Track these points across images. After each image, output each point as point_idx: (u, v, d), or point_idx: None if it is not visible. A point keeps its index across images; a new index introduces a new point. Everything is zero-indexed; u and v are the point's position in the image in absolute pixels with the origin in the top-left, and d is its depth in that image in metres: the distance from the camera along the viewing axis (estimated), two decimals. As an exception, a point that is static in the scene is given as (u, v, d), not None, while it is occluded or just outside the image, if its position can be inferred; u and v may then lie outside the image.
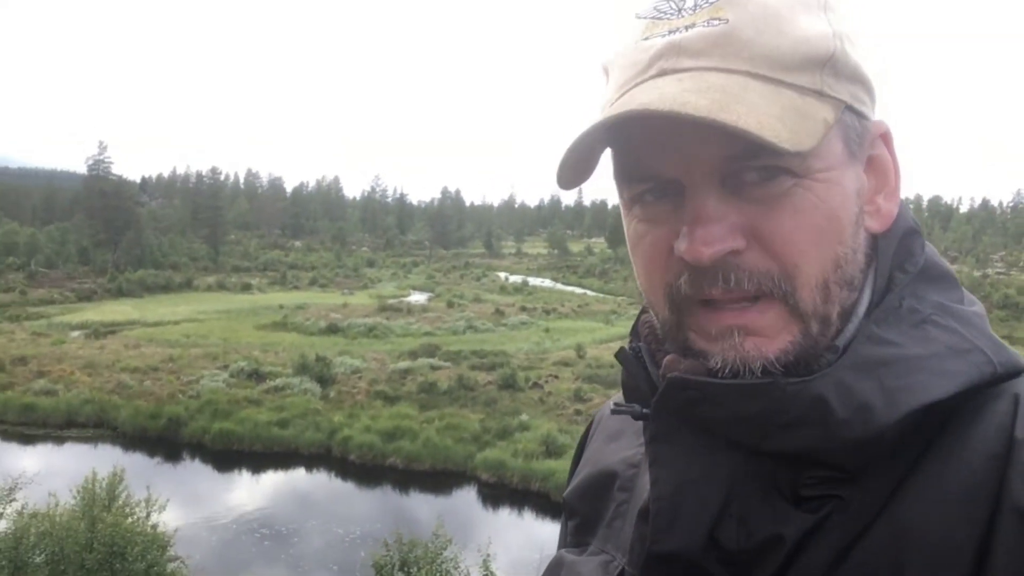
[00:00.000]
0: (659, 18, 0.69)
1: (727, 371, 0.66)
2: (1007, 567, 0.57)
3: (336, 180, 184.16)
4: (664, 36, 0.67)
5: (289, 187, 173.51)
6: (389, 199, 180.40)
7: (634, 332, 0.82)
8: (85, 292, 59.79)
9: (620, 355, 0.80)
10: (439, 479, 21.37)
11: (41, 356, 31.69)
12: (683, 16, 0.67)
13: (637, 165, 0.69)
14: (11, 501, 11.73)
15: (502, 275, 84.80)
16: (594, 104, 0.76)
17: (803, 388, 0.64)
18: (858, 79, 0.69)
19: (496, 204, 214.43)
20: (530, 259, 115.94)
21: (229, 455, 23.30)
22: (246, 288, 67.74)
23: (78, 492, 13.76)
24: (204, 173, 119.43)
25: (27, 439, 24.56)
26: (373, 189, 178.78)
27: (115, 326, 43.08)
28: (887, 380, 0.63)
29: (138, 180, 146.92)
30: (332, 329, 42.70)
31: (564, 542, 0.95)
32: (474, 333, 42.37)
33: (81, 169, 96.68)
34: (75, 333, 40.01)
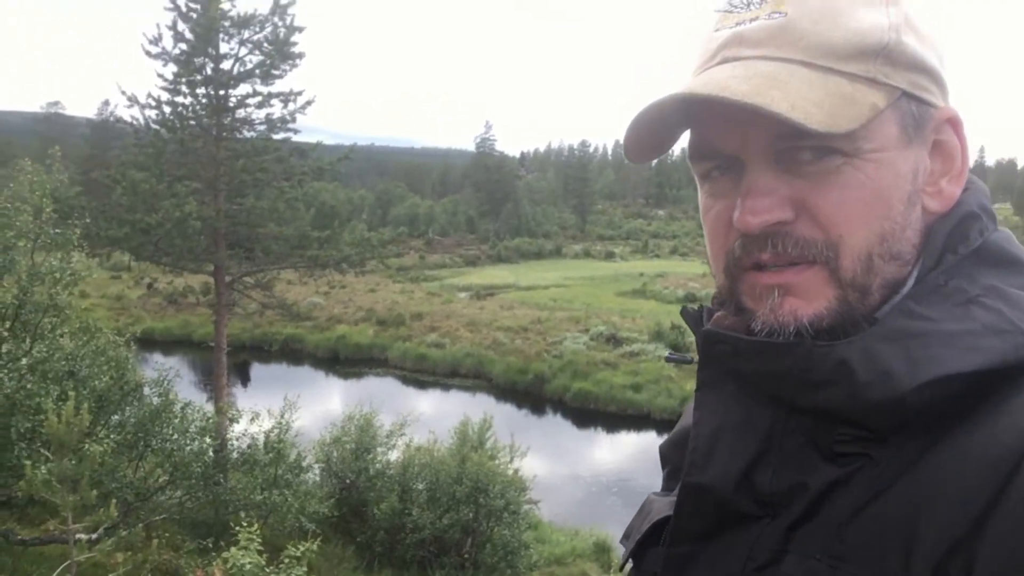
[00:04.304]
0: (730, 11, 0.76)
1: (764, 332, 0.72)
2: (1000, 541, 0.58)
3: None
4: (731, 28, 0.75)
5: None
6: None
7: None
8: (471, 258, 66.97)
9: (683, 312, 0.89)
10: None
11: (434, 313, 36.08)
12: (750, 10, 0.74)
13: (704, 144, 0.76)
14: (402, 435, 13.62)
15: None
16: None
17: (829, 351, 0.68)
18: (919, 68, 0.73)
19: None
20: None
21: (585, 413, 24.73)
22: (609, 256, 70.60)
23: (454, 432, 15.69)
24: (574, 146, 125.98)
25: (420, 384, 28.42)
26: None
27: (494, 289, 47.69)
28: (914, 350, 0.66)
29: (517, 155, 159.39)
30: (690, 298, 42.77)
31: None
32: (841, 307, 39.69)
33: (471, 147, 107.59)
34: (461, 294, 44.98)
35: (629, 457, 21.69)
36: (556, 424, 24.81)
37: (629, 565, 0.93)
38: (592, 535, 14.90)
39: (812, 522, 0.69)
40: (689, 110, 0.74)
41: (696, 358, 0.83)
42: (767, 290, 0.72)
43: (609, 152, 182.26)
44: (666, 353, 27.59)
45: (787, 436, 0.72)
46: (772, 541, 0.71)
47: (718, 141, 0.74)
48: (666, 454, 1.03)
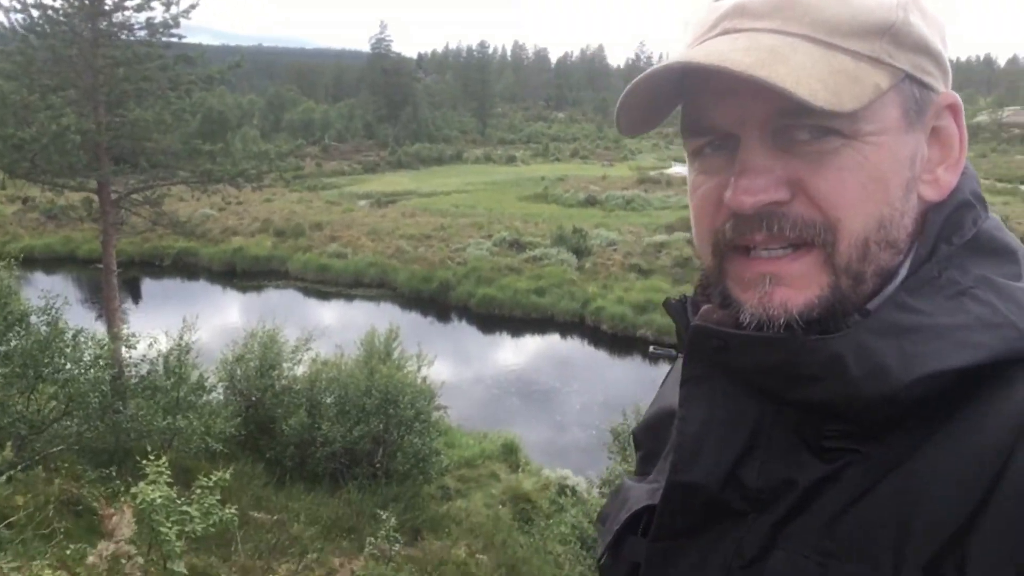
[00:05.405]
0: None
1: (754, 325, 0.70)
2: (992, 536, 0.58)
3: (600, 48, 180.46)
4: None
5: (554, 58, 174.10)
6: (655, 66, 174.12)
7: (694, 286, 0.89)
8: (370, 164, 65.46)
9: (666, 304, 0.86)
10: (688, 354, 21.47)
11: (334, 222, 35.43)
12: None
13: (699, 118, 0.74)
14: (308, 350, 13.46)
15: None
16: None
17: (822, 345, 0.67)
18: (923, 50, 0.71)
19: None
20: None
21: (491, 319, 25.09)
22: (511, 160, 70.31)
23: (360, 344, 15.68)
24: (473, 48, 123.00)
25: (322, 295, 28.10)
26: (638, 56, 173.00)
27: (395, 196, 47.01)
28: (907, 345, 0.65)
29: (415, 57, 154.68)
30: (590, 201, 43.41)
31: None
32: (734, 207, 41.00)
33: (365, 48, 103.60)
34: (361, 202, 44.20)
35: (533, 359, 22.25)
36: (462, 331, 25.09)
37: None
38: (500, 437, 15.33)
39: (801, 518, 0.68)
40: (684, 83, 0.72)
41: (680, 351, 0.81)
42: (757, 278, 0.70)
43: (508, 53, 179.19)
44: (568, 256, 28.09)
45: (775, 431, 0.71)
46: (759, 537, 0.70)
47: (714, 115, 0.72)
48: (640, 438, 1.01)
